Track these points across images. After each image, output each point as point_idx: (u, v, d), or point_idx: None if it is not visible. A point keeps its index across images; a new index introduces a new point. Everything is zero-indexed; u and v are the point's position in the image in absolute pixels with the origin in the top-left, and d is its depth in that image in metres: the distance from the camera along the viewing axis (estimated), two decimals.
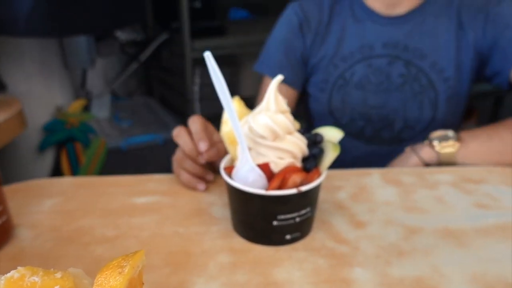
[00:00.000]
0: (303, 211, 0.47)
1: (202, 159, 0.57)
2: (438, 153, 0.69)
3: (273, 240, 0.48)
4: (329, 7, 0.89)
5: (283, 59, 0.90)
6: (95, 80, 1.66)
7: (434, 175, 0.65)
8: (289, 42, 0.90)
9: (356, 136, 0.89)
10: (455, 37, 0.83)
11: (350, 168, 0.67)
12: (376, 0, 0.85)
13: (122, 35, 1.82)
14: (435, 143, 0.70)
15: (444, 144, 0.69)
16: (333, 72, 0.87)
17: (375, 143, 0.89)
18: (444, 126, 0.75)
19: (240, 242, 0.49)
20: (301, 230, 0.49)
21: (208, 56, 0.44)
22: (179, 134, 0.59)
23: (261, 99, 0.90)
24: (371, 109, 0.86)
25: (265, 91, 0.90)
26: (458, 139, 0.70)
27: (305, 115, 0.99)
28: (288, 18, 0.91)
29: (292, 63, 0.90)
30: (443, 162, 0.69)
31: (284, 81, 0.88)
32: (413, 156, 0.71)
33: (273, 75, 0.86)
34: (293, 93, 0.91)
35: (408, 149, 0.73)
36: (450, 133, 0.71)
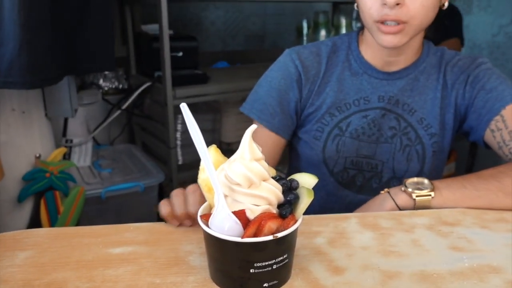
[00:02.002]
0: (280, 258, 0.47)
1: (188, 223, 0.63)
2: (413, 200, 0.71)
3: None
4: (326, 57, 0.90)
5: (276, 107, 0.89)
6: (76, 128, 1.66)
7: (411, 218, 0.66)
8: (284, 92, 0.89)
9: (347, 185, 0.90)
10: (440, 96, 0.88)
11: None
12: (374, 56, 0.88)
13: (105, 83, 1.84)
14: (411, 190, 0.71)
15: (419, 192, 0.71)
16: (329, 121, 0.89)
17: (365, 193, 0.90)
18: (429, 179, 0.77)
19: None
20: (279, 277, 0.48)
21: (183, 107, 0.46)
22: (177, 194, 0.63)
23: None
24: (363, 158, 0.88)
25: (254, 137, 0.92)
26: (433, 188, 0.71)
27: (290, 158, 1.00)
28: (285, 66, 0.90)
29: (284, 112, 0.89)
30: (418, 208, 0.71)
31: (273, 130, 0.89)
32: (389, 200, 0.72)
33: (262, 121, 0.89)
34: (281, 141, 0.91)
35: (383, 193, 0.74)
36: (426, 181, 0.73)
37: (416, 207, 0.71)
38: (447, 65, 0.89)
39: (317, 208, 0.91)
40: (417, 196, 0.71)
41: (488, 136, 0.82)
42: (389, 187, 0.88)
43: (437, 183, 0.73)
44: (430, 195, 0.71)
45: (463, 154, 2.31)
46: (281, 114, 0.89)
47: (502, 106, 0.80)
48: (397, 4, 0.73)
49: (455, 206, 0.70)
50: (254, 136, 0.95)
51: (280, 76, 0.90)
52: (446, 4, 0.81)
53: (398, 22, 0.74)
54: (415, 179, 0.74)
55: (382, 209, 0.72)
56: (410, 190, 0.71)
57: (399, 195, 0.72)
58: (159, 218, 0.66)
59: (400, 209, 0.71)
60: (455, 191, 0.71)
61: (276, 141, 0.90)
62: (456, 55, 0.90)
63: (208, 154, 0.47)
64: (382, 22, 0.75)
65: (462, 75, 0.87)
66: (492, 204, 0.70)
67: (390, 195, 0.73)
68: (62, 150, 1.34)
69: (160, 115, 1.66)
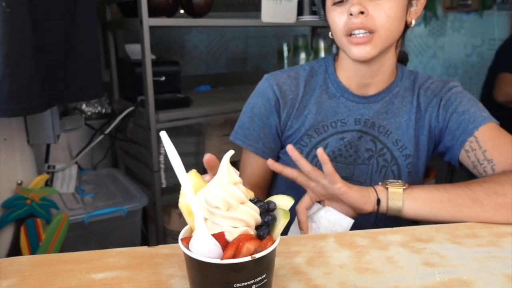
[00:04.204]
0: (259, 278, 0.49)
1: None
2: (386, 189, 0.76)
3: None
4: (304, 81, 0.94)
5: (259, 131, 0.94)
6: (59, 154, 1.66)
7: (386, 236, 0.68)
8: (265, 117, 0.93)
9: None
10: (414, 118, 0.92)
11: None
12: (349, 79, 0.92)
13: (88, 109, 1.85)
14: (386, 183, 0.78)
15: (392, 183, 0.77)
16: (308, 143, 0.92)
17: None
18: None
19: None
20: None
21: (163, 135, 0.48)
22: None
23: (239, 169, 0.94)
24: None
25: (241, 161, 0.97)
26: (407, 187, 0.77)
27: (273, 178, 1.02)
28: (263, 92, 0.94)
29: (267, 136, 0.94)
30: (391, 203, 0.75)
31: (259, 153, 0.94)
32: (372, 192, 0.77)
33: (247, 146, 0.94)
34: (262, 164, 0.94)
35: (369, 189, 0.78)
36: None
37: (389, 199, 0.75)
38: (420, 88, 0.93)
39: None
40: (389, 186, 0.76)
41: (463, 156, 0.87)
42: None
43: (412, 185, 0.78)
44: (402, 187, 0.76)
45: (442, 172, 2.37)
46: (265, 138, 0.94)
47: (475, 127, 0.85)
48: (362, 13, 0.78)
49: (427, 208, 0.74)
50: (245, 160, 0.98)
51: (260, 102, 0.94)
52: (413, 23, 0.86)
53: (366, 31, 0.80)
54: (394, 180, 0.80)
55: (367, 200, 0.76)
56: (386, 182, 0.78)
57: (378, 187, 0.78)
58: (143, 242, 0.67)
59: (379, 200, 0.76)
60: (426, 191, 0.75)
61: (263, 163, 0.93)
62: (429, 78, 0.95)
63: (188, 180, 0.49)
64: (351, 35, 0.81)
65: (435, 99, 0.91)
66: (461, 209, 0.73)
67: (374, 188, 0.78)
68: (44, 177, 1.34)
69: (143, 139, 1.67)
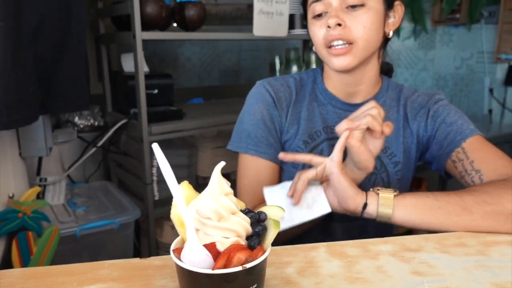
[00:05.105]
0: None
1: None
2: (377, 195, 0.76)
3: None
4: (295, 89, 0.96)
5: (268, 137, 0.93)
6: (51, 166, 1.65)
7: (376, 246, 0.69)
8: (269, 121, 0.93)
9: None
10: (402, 126, 0.94)
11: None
12: (336, 88, 0.95)
13: (80, 121, 1.85)
14: (378, 189, 0.77)
15: (383, 190, 0.76)
16: (303, 148, 0.93)
17: (335, 219, 0.92)
18: None
19: None
20: None
21: (155, 147, 0.49)
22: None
23: (247, 181, 0.94)
24: None
25: (249, 171, 0.94)
26: (398, 193, 0.77)
27: None
28: (261, 96, 0.94)
29: (276, 141, 0.94)
30: (381, 209, 0.75)
31: (273, 160, 0.93)
32: (361, 195, 0.76)
33: (261, 154, 0.92)
34: (277, 169, 0.94)
35: (360, 192, 0.77)
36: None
37: (379, 204, 0.75)
38: (407, 100, 0.96)
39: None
40: (380, 192, 0.76)
41: (450, 166, 0.88)
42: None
43: (403, 192, 0.78)
44: (393, 193, 0.76)
45: (433, 183, 2.39)
46: (275, 143, 0.94)
47: (462, 139, 0.87)
48: (339, 25, 0.81)
49: (417, 215, 0.74)
50: (252, 170, 0.95)
51: (261, 107, 0.94)
52: (391, 34, 0.89)
53: (345, 43, 0.82)
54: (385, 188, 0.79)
55: (353, 197, 0.75)
56: (378, 188, 0.77)
57: (369, 192, 0.77)
58: (135, 255, 0.67)
59: (366, 204, 0.75)
60: (417, 198, 0.75)
61: (276, 170, 0.94)
62: (415, 91, 0.97)
63: (179, 191, 0.50)
64: (330, 47, 0.84)
65: (423, 110, 0.94)
66: (450, 217, 0.73)
67: (366, 192, 0.77)
68: (36, 189, 1.33)
69: (136, 152, 1.67)
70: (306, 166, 0.92)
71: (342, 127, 0.76)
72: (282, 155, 0.82)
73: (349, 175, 0.78)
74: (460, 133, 0.88)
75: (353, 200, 0.75)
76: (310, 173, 0.79)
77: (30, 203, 1.26)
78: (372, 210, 0.75)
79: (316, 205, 0.79)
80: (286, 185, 0.82)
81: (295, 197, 0.79)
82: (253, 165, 0.94)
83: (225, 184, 0.51)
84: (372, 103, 0.78)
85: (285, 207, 0.79)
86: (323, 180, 0.81)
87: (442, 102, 0.94)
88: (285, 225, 0.78)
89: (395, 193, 0.76)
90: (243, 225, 0.50)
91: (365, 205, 0.76)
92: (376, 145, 0.80)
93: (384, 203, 0.75)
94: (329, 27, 0.82)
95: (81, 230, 1.41)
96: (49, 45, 1.22)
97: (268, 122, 0.93)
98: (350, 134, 0.76)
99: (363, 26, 0.82)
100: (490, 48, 2.73)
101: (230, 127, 1.00)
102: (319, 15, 0.85)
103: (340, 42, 0.82)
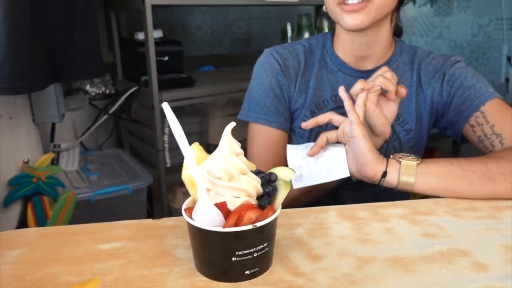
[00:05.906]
0: (260, 246, 0.50)
1: None
2: (399, 163, 0.73)
3: (233, 276, 0.50)
4: (304, 57, 0.94)
5: (278, 105, 0.92)
6: (64, 133, 1.67)
7: (386, 209, 0.69)
8: (278, 89, 0.92)
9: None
10: (415, 92, 0.91)
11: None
12: (347, 54, 0.92)
13: (92, 89, 1.86)
14: (399, 156, 0.74)
15: (405, 157, 0.74)
16: (310, 118, 0.92)
17: (346, 187, 0.92)
18: None
19: (202, 281, 0.51)
20: (259, 265, 0.51)
21: (165, 106, 0.49)
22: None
23: (256, 150, 0.93)
24: None
25: (259, 140, 0.93)
26: (421, 161, 0.74)
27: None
28: (269, 65, 0.93)
29: (285, 109, 0.93)
30: (403, 178, 0.72)
31: (283, 129, 0.92)
32: (382, 163, 0.74)
33: (271, 123, 0.91)
34: (287, 137, 0.94)
35: (381, 158, 0.75)
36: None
37: (401, 173, 0.72)
38: (420, 63, 0.93)
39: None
40: (402, 160, 0.73)
41: (467, 131, 0.86)
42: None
43: (425, 159, 0.75)
44: (416, 161, 0.73)
45: (446, 152, 2.37)
46: (284, 111, 0.93)
47: (481, 103, 0.84)
48: None
49: (440, 184, 0.72)
50: (264, 138, 0.94)
51: (270, 75, 0.92)
52: None
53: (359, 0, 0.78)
54: (407, 154, 0.76)
55: (373, 162, 0.73)
56: (399, 156, 0.74)
57: (390, 160, 0.74)
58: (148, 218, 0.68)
59: (386, 173, 0.73)
60: (441, 166, 0.73)
61: (286, 138, 0.93)
62: (430, 53, 0.94)
63: (190, 152, 0.50)
64: (343, 3, 0.79)
65: (438, 73, 0.91)
66: (474, 186, 0.71)
67: (387, 159, 0.74)
68: (50, 155, 1.35)
69: (147, 119, 1.68)
70: (312, 138, 0.92)
71: (357, 88, 0.75)
72: (304, 124, 0.80)
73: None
74: (479, 96, 0.85)
75: (372, 166, 0.73)
76: (331, 133, 0.78)
77: (44, 168, 1.28)
78: (393, 178, 0.73)
79: (336, 168, 0.77)
80: (310, 145, 0.81)
81: (313, 148, 0.78)
82: (263, 134, 0.93)
83: (236, 145, 0.51)
84: (385, 68, 0.77)
85: (305, 167, 0.79)
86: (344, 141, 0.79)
87: (459, 64, 0.90)
88: (303, 183, 0.78)
89: (417, 161, 0.73)
90: (254, 185, 0.50)
91: (384, 173, 0.73)
92: (391, 110, 0.78)
93: (406, 172, 0.72)
94: None
95: (95, 195, 1.44)
96: (61, 13, 1.21)
97: (277, 90, 0.92)
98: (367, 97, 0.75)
99: None
100: (510, 14, 2.64)
101: (241, 95, 0.99)
102: None
103: None
